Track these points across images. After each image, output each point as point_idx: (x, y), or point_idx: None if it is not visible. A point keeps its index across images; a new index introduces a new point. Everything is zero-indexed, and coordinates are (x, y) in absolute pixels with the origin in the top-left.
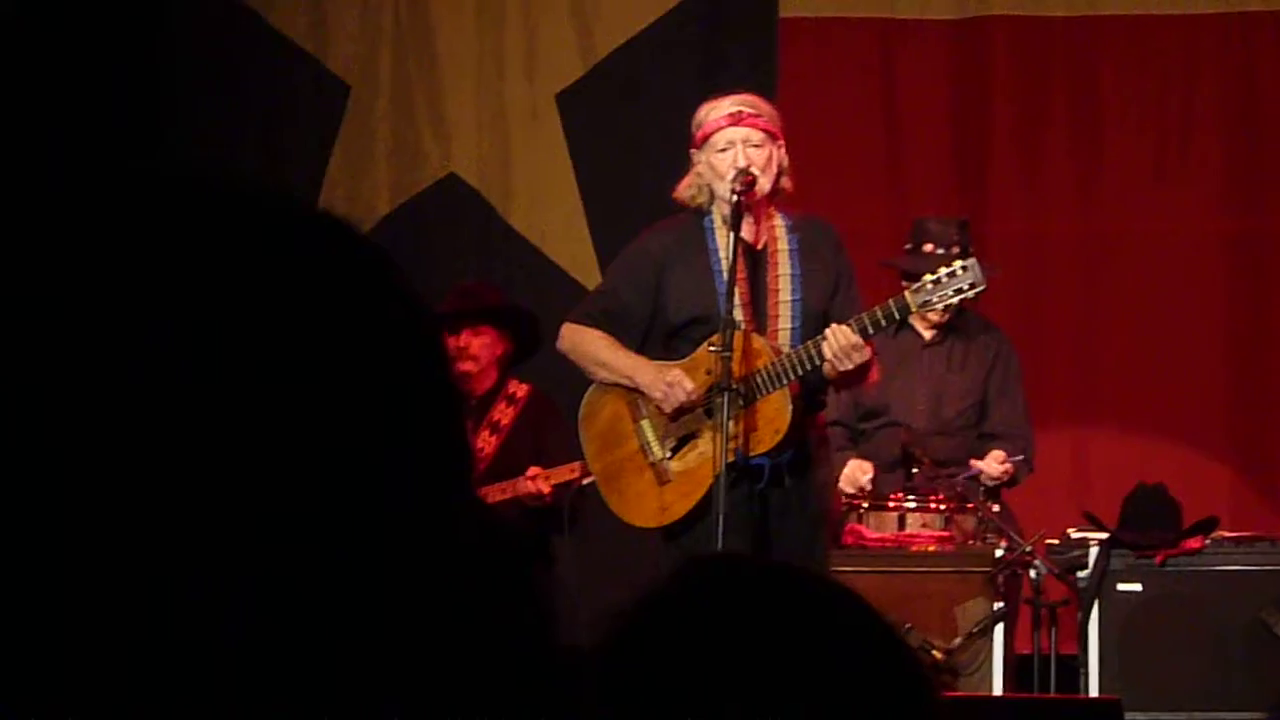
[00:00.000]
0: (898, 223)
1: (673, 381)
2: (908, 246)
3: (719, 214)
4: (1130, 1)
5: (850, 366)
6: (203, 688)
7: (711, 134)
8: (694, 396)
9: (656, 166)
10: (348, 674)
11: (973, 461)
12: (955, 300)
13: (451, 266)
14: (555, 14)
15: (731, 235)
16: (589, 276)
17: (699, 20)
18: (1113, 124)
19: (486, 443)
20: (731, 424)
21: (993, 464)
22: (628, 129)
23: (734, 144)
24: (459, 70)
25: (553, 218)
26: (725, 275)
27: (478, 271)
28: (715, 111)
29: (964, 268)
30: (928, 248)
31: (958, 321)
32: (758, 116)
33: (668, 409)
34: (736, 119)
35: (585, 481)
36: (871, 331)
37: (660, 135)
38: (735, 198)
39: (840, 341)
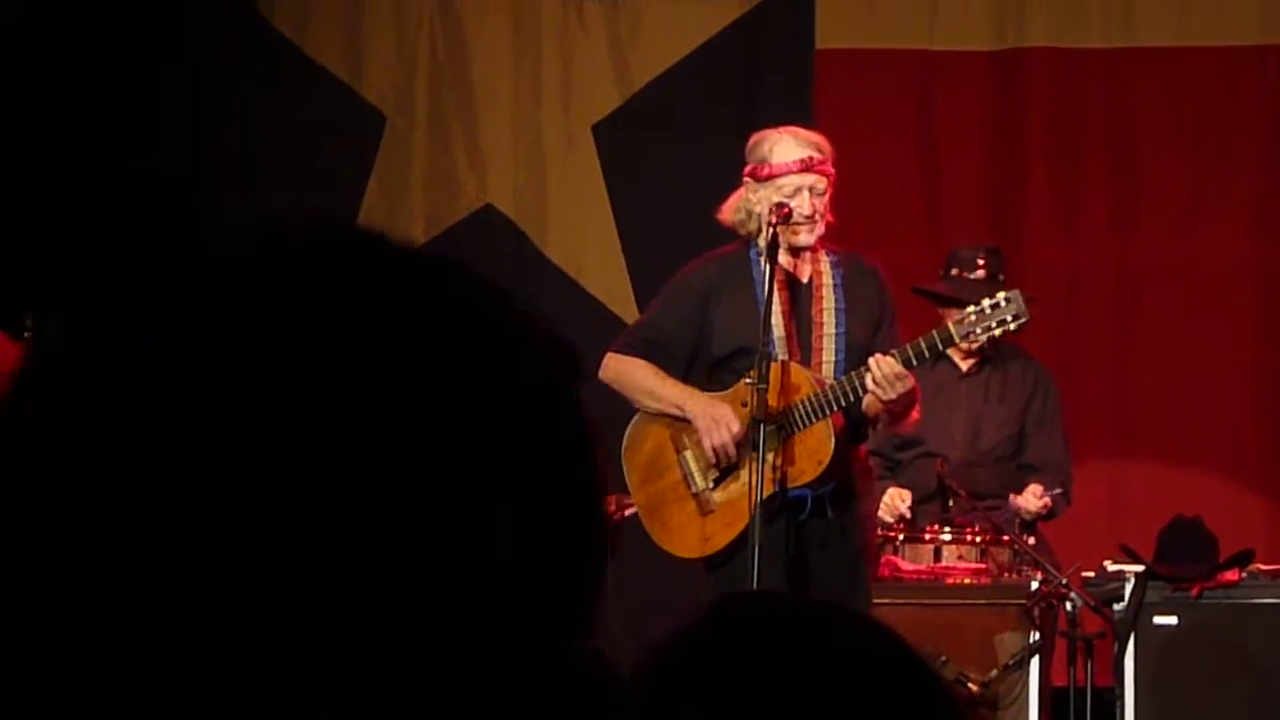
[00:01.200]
0: (934, 253)
1: (719, 418)
2: (942, 274)
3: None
4: (1167, 33)
5: (894, 396)
6: (204, 692)
7: (779, 176)
8: (736, 439)
9: (693, 197)
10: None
11: (1011, 497)
12: (998, 332)
13: None
14: (592, 44)
15: (768, 267)
16: (625, 308)
17: (736, 51)
18: (1149, 155)
19: None
20: (774, 455)
21: (1031, 499)
22: (664, 160)
23: (800, 190)
24: (495, 100)
25: (589, 249)
26: (762, 309)
27: None
28: (783, 150)
29: (1007, 299)
30: (955, 272)
31: (995, 352)
32: (825, 162)
33: (706, 444)
34: (808, 165)
35: (628, 513)
36: (914, 362)
37: (697, 166)
38: (772, 230)
39: (884, 370)
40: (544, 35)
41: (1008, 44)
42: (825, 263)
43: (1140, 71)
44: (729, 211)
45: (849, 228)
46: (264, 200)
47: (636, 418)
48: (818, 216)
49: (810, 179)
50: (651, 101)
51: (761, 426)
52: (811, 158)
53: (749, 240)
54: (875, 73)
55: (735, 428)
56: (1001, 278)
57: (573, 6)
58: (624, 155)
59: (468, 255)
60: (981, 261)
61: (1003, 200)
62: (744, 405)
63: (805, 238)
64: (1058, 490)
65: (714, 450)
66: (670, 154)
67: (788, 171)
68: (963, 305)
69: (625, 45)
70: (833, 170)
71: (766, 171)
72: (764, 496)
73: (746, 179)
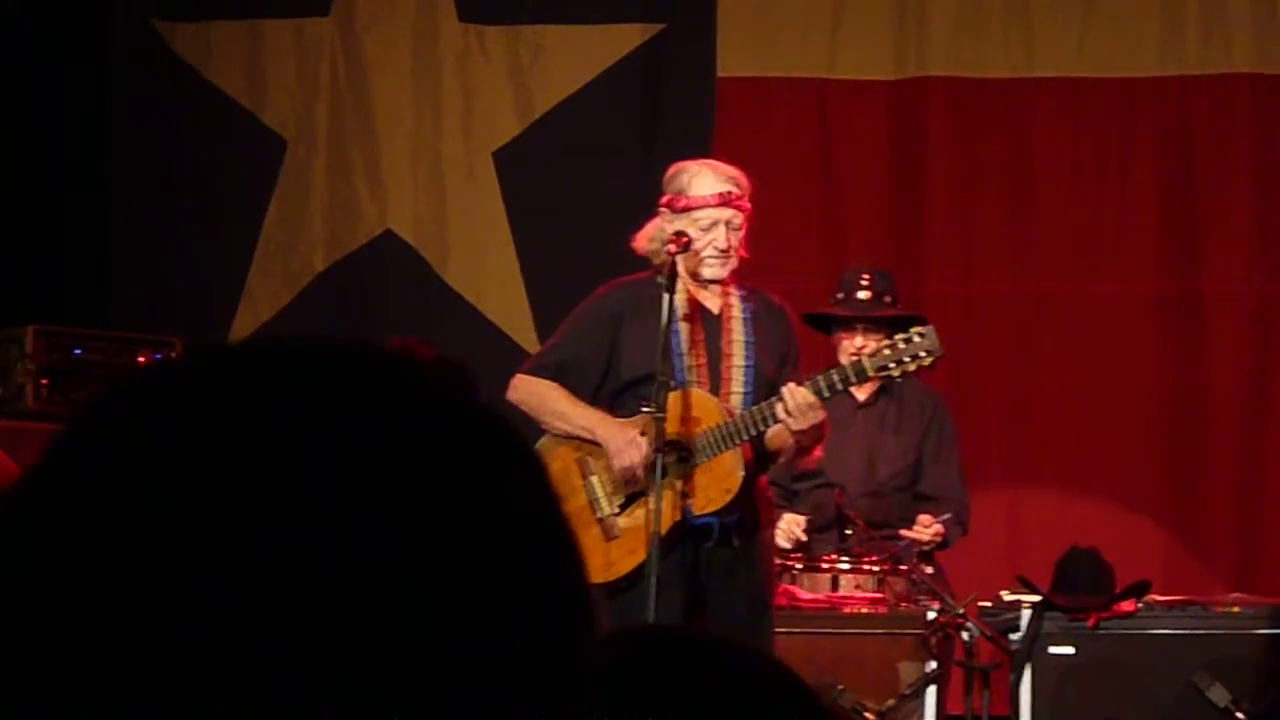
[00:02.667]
0: (835, 282)
1: (631, 440)
2: (831, 300)
3: (678, 276)
4: (1067, 64)
5: (805, 426)
6: None
7: (695, 208)
8: (646, 462)
9: (593, 224)
10: None
11: (903, 532)
12: (913, 367)
13: (388, 323)
14: (492, 72)
15: (667, 296)
16: (525, 334)
17: (636, 79)
18: (1048, 185)
19: None
20: (681, 482)
21: (922, 530)
22: (564, 187)
23: (717, 224)
24: (396, 127)
25: (489, 275)
26: (683, 336)
27: (414, 328)
28: (701, 184)
29: (921, 334)
30: (841, 295)
31: (892, 383)
32: (742, 197)
33: (616, 466)
34: (725, 200)
35: None
36: (826, 394)
37: (597, 193)
38: (671, 260)
39: (797, 400)
40: (444, 62)
41: (908, 73)
42: (735, 297)
43: (1040, 101)
44: (644, 240)
45: (750, 255)
46: (167, 224)
47: (543, 440)
48: (731, 251)
49: (727, 213)
50: (552, 129)
51: (659, 456)
52: (730, 192)
53: (661, 269)
54: (776, 101)
55: (646, 450)
56: (889, 299)
57: (473, 33)
58: (524, 182)
59: (369, 281)
60: (865, 280)
61: (902, 228)
62: (642, 434)
63: (716, 271)
64: (947, 516)
65: (623, 473)
66: (571, 181)
67: (704, 205)
68: (849, 323)
69: (526, 72)
70: (749, 206)
71: (683, 203)
72: (668, 524)
73: (663, 209)
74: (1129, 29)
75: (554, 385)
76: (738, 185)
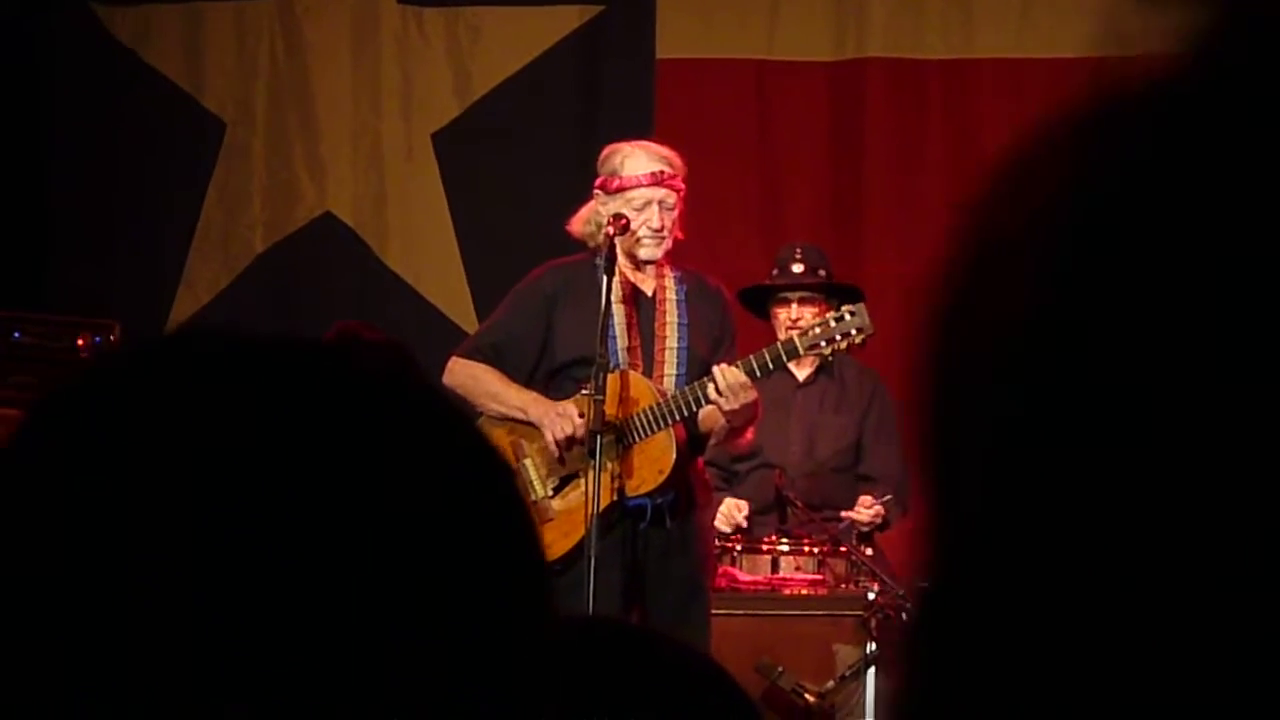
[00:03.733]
0: (773, 262)
1: (562, 412)
2: (767, 279)
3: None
4: (1007, 43)
5: (736, 406)
6: None
7: (629, 189)
8: (579, 430)
9: (533, 207)
10: None
11: (843, 513)
12: (843, 345)
13: (328, 305)
14: (431, 53)
15: (604, 278)
16: (464, 316)
17: (575, 61)
18: (987, 165)
19: None
20: (614, 464)
21: (862, 511)
22: (504, 169)
23: (650, 204)
24: (335, 109)
25: (429, 257)
26: (617, 319)
27: (354, 310)
28: (634, 164)
29: (852, 313)
30: (775, 272)
31: (830, 363)
32: (675, 177)
33: (549, 437)
34: (658, 179)
35: None
36: (758, 374)
37: (537, 175)
38: (610, 241)
39: (728, 380)
40: (383, 44)
41: (847, 54)
42: (670, 278)
43: (980, 82)
44: (579, 223)
45: (690, 235)
46: (104, 207)
47: (479, 422)
48: (665, 231)
49: (660, 193)
50: (491, 110)
51: (599, 438)
52: (662, 172)
53: (597, 251)
54: (715, 82)
55: (578, 420)
56: (822, 273)
57: (412, 15)
58: (464, 164)
59: (308, 262)
60: (799, 255)
61: (842, 211)
62: (581, 416)
63: (652, 251)
64: (888, 497)
65: (557, 443)
66: (510, 163)
67: (638, 185)
68: (783, 297)
69: (465, 54)
70: (683, 186)
71: (617, 184)
72: (603, 506)
73: (597, 191)
74: (1068, 8)
75: (488, 368)
76: (670, 165)
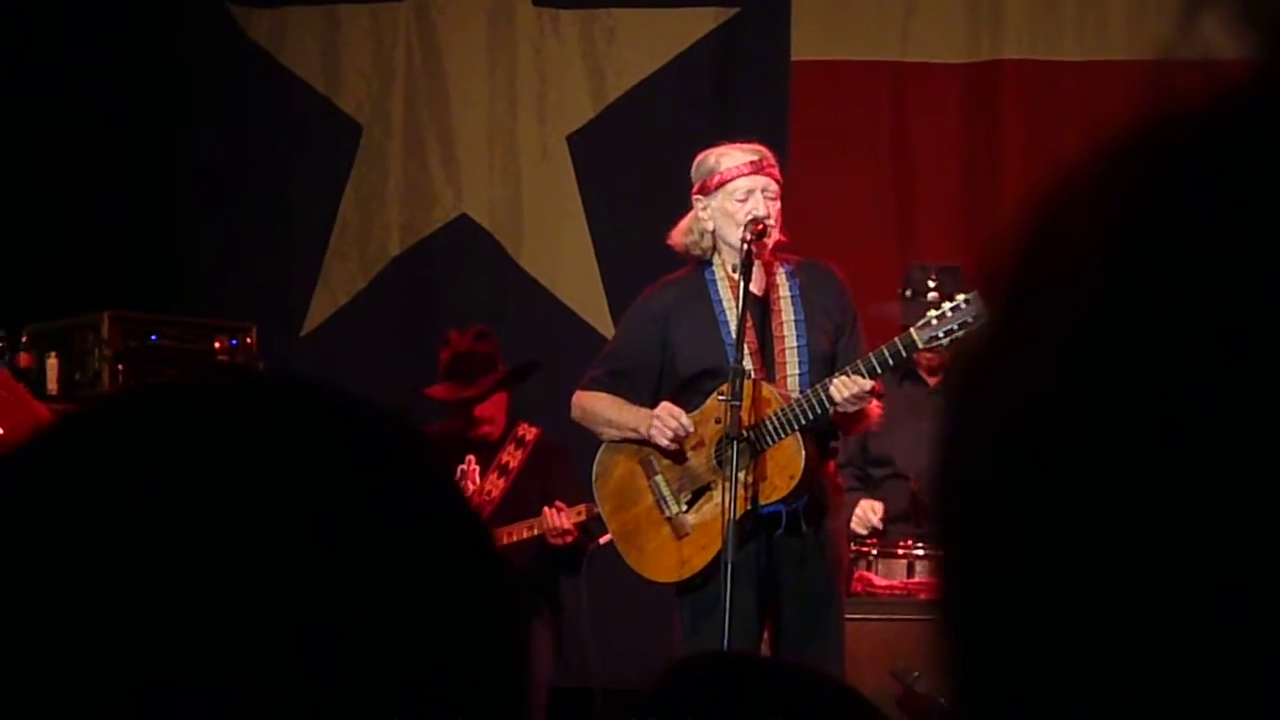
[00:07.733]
0: (908, 265)
1: (660, 412)
2: (899, 294)
3: (720, 265)
4: (1143, 45)
5: (858, 408)
6: None
7: (730, 180)
8: (685, 422)
9: (667, 208)
10: None
11: None
12: (961, 334)
13: (463, 307)
14: (567, 56)
15: (742, 283)
16: (599, 318)
17: (711, 62)
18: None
19: (494, 485)
20: (745, 473)
21: None
22: (638, 171)
23: (753, 192)
24: (470, 110)
25: (563, 259)
26: (733, 325)
27: (489, 313)
28: (729, 159)
29: (967, 301)
30: (908, 293)
31: None
32: (773, 167)
33: (662, 442)
34: (757, 167)
35: (603, 540)
36: (879, 371)
37: (671, 177)
38: (746, 246)
39: (844, 395)
40: (519, 46)
41: (982, 56)
42: (781, 274)
43: (1114, 84)
44: (679, 235)
45: (821, 238)
46: (240, 210)
47: (604, 447)
48: (771, 219)
49: (761, 180)
50: (626, 112)
51: (734, 444)
52: (761, 160)
53: (702, 261)
54: (850, 84)
55: (680, 414)
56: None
57: (548, 17)
58: (599, 165)
59: (444, 265)
60: (933, 283)
61: (977, 214)
62: (716, 422)
63: (737, 235)
64: None
65: (673, 441)
66: (644, 164)
67: (739, 175)
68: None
69: (600, 56)
70: (780, 177)
71: (717, 180)
72: (738, 516)
73: (696, 197)
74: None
75: (603, 395)
76: (766, 155)
